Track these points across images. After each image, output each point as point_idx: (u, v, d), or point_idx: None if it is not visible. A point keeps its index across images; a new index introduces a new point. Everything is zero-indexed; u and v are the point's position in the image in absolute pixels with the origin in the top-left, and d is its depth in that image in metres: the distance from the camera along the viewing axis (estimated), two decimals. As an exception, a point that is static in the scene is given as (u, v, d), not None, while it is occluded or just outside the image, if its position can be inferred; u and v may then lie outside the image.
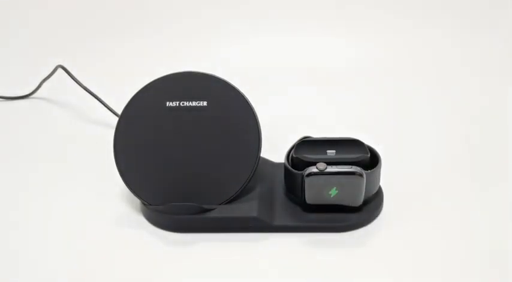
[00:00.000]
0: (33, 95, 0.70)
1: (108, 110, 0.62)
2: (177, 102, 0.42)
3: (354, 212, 0.40)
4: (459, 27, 0.77)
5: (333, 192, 0.39)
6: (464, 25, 0.76)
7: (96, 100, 0.62)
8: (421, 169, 0.49)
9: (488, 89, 0.66)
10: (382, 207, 0.42)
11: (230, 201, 0.41)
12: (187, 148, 0.41)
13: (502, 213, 0.42)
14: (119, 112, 0.44)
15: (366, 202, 0.40)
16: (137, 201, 0.43)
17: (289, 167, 0.41)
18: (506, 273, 0.35)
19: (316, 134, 0.44)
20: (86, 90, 0.63)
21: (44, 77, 0.68)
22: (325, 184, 0.39)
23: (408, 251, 0.38)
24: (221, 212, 0.40)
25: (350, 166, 0.39)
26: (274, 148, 0.45)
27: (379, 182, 0.42)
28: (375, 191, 0.42)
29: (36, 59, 0.80)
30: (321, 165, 0.39)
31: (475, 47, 0.75)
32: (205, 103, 0.42)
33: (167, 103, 0.42)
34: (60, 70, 0.67)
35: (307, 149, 0.41)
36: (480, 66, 0.72)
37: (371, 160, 0.41)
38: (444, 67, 0.73)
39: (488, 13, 0.76)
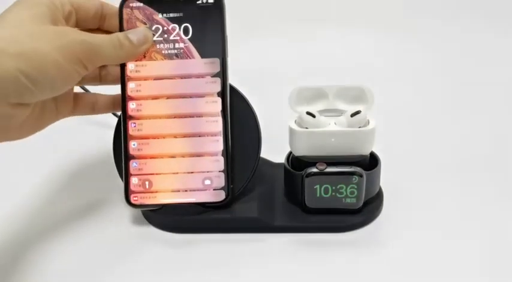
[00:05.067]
0: (33, 95, 0.70)
1: (108, 110, 0.61)
2: (177, 103, 0.42)
3: (354, 212, 0.40)
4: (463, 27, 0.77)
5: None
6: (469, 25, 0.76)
7: (96, 100, 0.62)
8: (421, 170, 0.49)
9: (491, 89, 0.66)
10: (382, 207, 0.42)
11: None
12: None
13: (503, 213, 0.42)
14: (119, 112, 0.43)
15: (366, 203, 0.40)
16: (137, 201, 0.43)
17: (289, 168, 0.41)
18: (506, 272, 0.35)
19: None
20: (86, 90, 0.63)
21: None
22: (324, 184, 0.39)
23: (408, 251, 0.38)
24: (221, 212, 0.40)
25: (350, 166, 0.39)
26: (274, 148, 0.45)
27: (379, 183, 0.42)
28: (375, 193, 0.42)
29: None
30: (321, 165, 0.39)
31: (477, 47, 0.75)
32: (205, 103, 0.42)
33: (167, 103, 0.42)
34: (60, 70, 0.66)
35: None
36: (482, 66, 0.72)
37: (370, 161, 0.41)
38: (443, 67, 0.73)
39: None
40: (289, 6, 0.78)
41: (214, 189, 0.40)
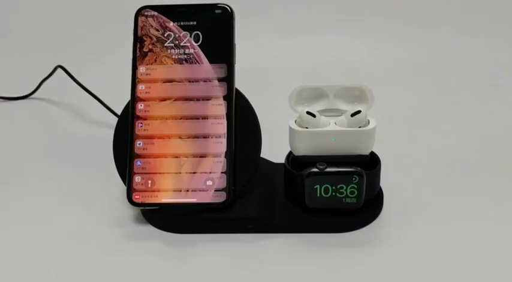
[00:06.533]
0: (33, 95, 0.70)
1: (107, 110, 0.62)
2: (177, 102, 0.42)
3: (354, 212, 0.40)
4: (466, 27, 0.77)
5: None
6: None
7: (96, 100, 0.62)
8: (421, 169, 0.49)
9: (491, 90, 0.66)
10: (382, 207, 0.42)
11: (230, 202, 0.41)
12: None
13: (503, 213, 0.42)
14: (119, 112, 0.44)
15: (366, 203, 0.40)
16: (137, 201, 0.43)
17: (289, 168, 0.41)
18: (506, 273, 0.35)
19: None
20: (86, 91, 0.63)
21: (43, 77, 0.69)
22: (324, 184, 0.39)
23: (408, 251, 0.38)
24: (221, 212, 0.40)
25: (350, 166, 0.39)
26: (274, 148, 0.45)
27: (379, 183, 0.42)
28: (375, 193, 0.42)
29: (36, 59, 0.80)
30: (321, 165, 0.39)
31: (478, 47, 0.75)
32: (205, 103, 0.42)
33: (167, 103, 0.42)
34: (59, 70, 0.67)
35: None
36: (483, 67, 0.72)
37: (370, 161, 0.41)
38: (443, 67, 0.73)
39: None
40: (290, 5, 0.78)
41: (215, 190, 0.40)
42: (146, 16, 0.42)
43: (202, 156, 0.40)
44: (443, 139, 0.55)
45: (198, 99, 0.41)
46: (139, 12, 0.42)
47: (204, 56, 0.42)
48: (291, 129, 0.40)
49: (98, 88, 0.64)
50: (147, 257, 0.38)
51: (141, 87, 0.41)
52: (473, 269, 0.36)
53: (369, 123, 0.40)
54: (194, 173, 0.40)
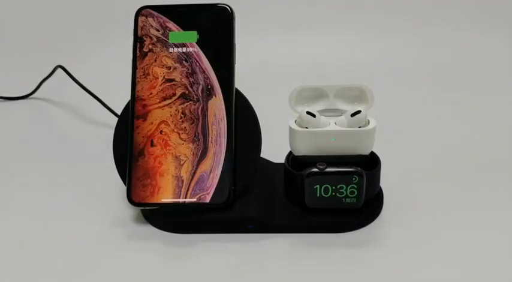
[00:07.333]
0: (33, 95, 0.70)
1: (107, 110, 0.62)
2: (177, 102, 0.42)
3: (354, 212, 0.40)
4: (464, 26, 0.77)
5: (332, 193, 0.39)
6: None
7: (96, 100, 0.62)
8: (421, 169, 0.49)
9: (491, 90, 0.66)
10: (382, 207, 0.42)
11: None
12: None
13: (502, 214, 0.42)
14: (119, 112, 0.44)
15: (366, 203, 0.40)
16: (137, 201, 0.43)
17: (289, 168, 0.41)
18: (506, 273, 0.35)
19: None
20: (86, 90, 0.63)
21: (43, 77, 0.69)
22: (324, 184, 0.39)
23: (408, 251, 0.38)
24: (221, 212, 0.40)
25: (350, 166, 0.39)
26: (274, 148, 0.45)
27: (379, 183, 0.42)
28: (375, 193, 0.42)
29: (36, 59, 0.80)
30: (321, 165, 0.39)
31: (478, 47, 0.75)
32: (205, 103, 0.42)
33: (167, 103, 0.42)
34: (59, 70, 0.67)
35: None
36: (483, 67, 0.72)
37: (371, 161, 0.41)
38: (443, 67, 0.73)
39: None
40: (290, 6, 0.78)
41: (215, 190, 0.40)
42: (146, 16, 0.42)
43: (202, 156, 0.40)
44: (444, 139, 0.55)
45: (198, 99, 0.41)
46: (139, 12, 0.42)
47: (204, 56, 0.42)
48: (291, 129, 0.40)
49: (98, 88, 0.64)
50: (147, 257, 0.38)
51: (141, 87, 0.42)
52: (473, 269, 0.36)
53: (368, 123, 0.40)
54: (194, 172, 0.40)
